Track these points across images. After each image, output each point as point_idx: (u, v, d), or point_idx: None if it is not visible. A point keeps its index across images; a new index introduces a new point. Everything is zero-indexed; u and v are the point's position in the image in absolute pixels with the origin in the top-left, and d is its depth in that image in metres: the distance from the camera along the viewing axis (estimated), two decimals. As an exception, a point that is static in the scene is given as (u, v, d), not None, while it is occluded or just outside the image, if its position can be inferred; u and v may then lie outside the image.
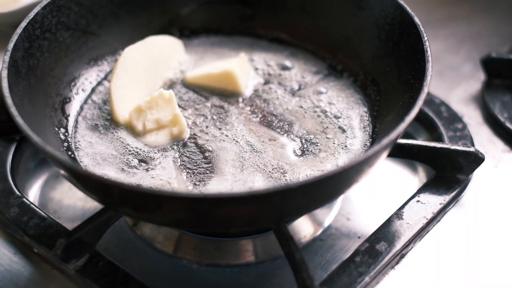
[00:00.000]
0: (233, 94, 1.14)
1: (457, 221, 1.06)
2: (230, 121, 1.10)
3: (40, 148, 0.88)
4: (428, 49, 1.00)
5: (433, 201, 1.06)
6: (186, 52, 1.22)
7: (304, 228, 1.06)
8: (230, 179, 1.00)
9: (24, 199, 1.06)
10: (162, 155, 1.04)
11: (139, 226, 1.07)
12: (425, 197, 1.06)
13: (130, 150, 1.05)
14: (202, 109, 1.12)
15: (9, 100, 0.92)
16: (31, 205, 1.05)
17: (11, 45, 1.00)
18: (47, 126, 1.04)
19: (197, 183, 1.00)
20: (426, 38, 1.01)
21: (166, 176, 1.01)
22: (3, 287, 0.99)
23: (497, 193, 1.11)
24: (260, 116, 1.11)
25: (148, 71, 1.14)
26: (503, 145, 1.18)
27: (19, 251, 1.04)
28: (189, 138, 1.07)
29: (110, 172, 1.01)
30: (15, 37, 1.01)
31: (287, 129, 1.08)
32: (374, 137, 1.06)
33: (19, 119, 0.90)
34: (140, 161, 1.03)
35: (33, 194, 1.13)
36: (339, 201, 1.10)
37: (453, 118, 1.17)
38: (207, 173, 1.02)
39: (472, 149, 1.07)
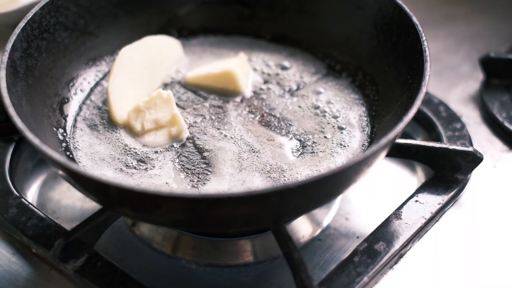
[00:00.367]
0: (233, 94, 1.14)
1: (456, 221, 1.06)
2: (229, 121, 1.10)
3: (38, 148, 0.88)
4: (427, 49, 1.00)
5: (432, 201, 1.06)
6: (184, 52, 1.22)
7: (302, 228, 1.06)
8: (229, 179, 1.00)
9: (23, 200, 1.06)
10: (160, 155, 1.04)
11: (137, 226, 1.07)
12: (423, 197, 1.06)
13: (128, 150, 1.05)
14: (200, 109, 1.12)
15: (7, 101, 0.92)
16: (30, 205, 1.05)
17: (9, 45, 1.00)
18: (45, 126, 1.04)
19: (196, 183, 1.00)
20: (424, 38, 1.01)
21: (165, 176, 1.01)
22: (2, 287, 0.99)
23: (496, 193, 1.11)
24: (259, 116, 1.11)
25: (145, 71, 1.14)
26: (502, 144, 1.18)
27: (18, 252, 1.04)
28: (188, 138, 1.07)
29: (109, 172, 1.01)
30: (13, 37, 1.01)
31: (285, 129, 1.08)
32: (373, 137, 1.06)
33: (17, 120, 0.90)
34: (139, 161, 1.03)
35: (31, 194, 1.13)
36: (338, 201, 1.10)
37: (452, 118, 1.17)
38: (206, 173, 1.02)
39: (470, 149, 1.07)
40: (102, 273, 0.97)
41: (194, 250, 1.03)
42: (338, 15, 1.17)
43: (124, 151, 1.05)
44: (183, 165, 1.03)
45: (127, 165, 1.03)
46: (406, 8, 1.06)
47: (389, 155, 1.01)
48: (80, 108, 1.12)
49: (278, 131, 1.08)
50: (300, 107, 1.12)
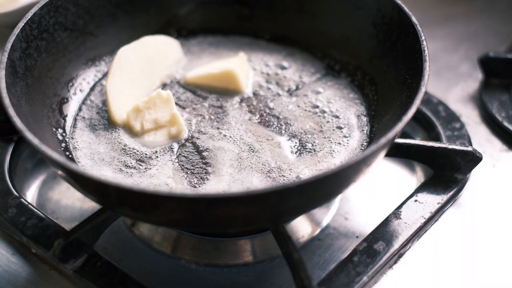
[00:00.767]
0: (233, 94, 1.14)
1: (455, 220, 1.07)
2: (228, 121, 1.10)
3: (38, 148, 0.88)
4: (426, 48, 1.00)
5: (431, 201, 1.06)
6: (183, 52, 1.22)
7: (302, 228, 1.06)
8: (228, 179, 1.00)
9: (22, 200, 1.06)
10: (160, 155, 1.04)
11: (137, 226, 1.07)
12: (423, 196, 1.06)
13: (128, 150, 1.05)
14: (200, 109, 1.12)
15: (6, 101, 0.92)
16: (29, 205, 1.05)
17: (8, 46, 1.00)
18: (44, 126, 1.04)
19: (195, 183, 1.00)
20: (423, 38, 1.01)
21: (164, 176, 1.01)
22: (1, 287, 0.99)
23: (495, 193, 1.11)
24: (258, 116, 1.11)
25: (144, 70, 1.14)
26: (501, 144, 1.18)
27: (17, 252, 1.04)
28: (187, 138, 1.07)
29: (108, 172, 1.01)
30: (12, 38, 1.01)
31: (285, 128, 1.08)
32: (372, 137, 1.06)
33: (16, 120, 0.90)
34: (138, 161, 1.03)
35: (31, 194, 1.13)
36: (337, 200, 1.10)
37: (451, 118, 1.17)
38: (205, 173, 1.02)
39: (470, 148, 1.07)
40: (102, 273, 0.97)
41: (194, 250, 1.04)
42: (338, 15, 1.17)
43: (124, 151, 1.05)
44: (183, 165, 1.03)
45: (126, 165, 1.03)
46: (405, 8, 1.06)
47: (388, 154, 1.01)
48: (80, 108, 1.12)
49: (278, 131, 1.08)
50: (299, 107, 1.12)
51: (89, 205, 1.10)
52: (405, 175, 1.16)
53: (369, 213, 1.09)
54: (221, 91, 1.15)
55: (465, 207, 1.08)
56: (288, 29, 1.23)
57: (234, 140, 1.06)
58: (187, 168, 1.02)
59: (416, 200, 1.06)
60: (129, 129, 1.08)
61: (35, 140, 0.88)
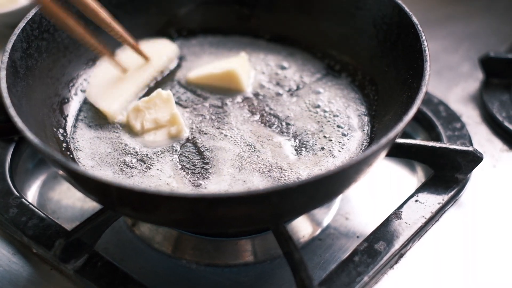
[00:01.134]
0: (233, 94, 1.14)
1: (456, 220, 1.07)
2: (229, 121, 1.10)
3: (39, 148, 0.88)
4: (426, 48, 1.00)
5: (432, 201, 1.06)
6: (183, 52, 1.22)
7: (303, 228, 1.06)
8: (229, 179, 1.00)
9: (23, 200, 1.06)
10: (160, 155, 1.04)
11: (138, 226, 1.07)
12: (423, 196, 1.06)
13: (128, 150, 1.05)
14: (200, 109, 1.12)
15: (7, 101, 0.92)
16: (30, 205, 1.05)
17: (9, 46, 1.00)
18: (45, 126, 1.04)
19: (196, 183, 1.00)
20: (424, 38, 1.01)
21: (165, 176, 1.01)
22: (2, 287, 0.99)
23: (496, 193, 1.11)
24: (259, 116, 1.11)
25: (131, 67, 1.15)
26: (502, 144, 1.18)
27: (18, 252, 1.04)
28: (188, 138, 1.07)
29: (109, 172, 1.01)
30: (13, 38, 1.01)
31: (285, 128, 1.09)
32: (373, 137, 1.06)
33: (17, 120, 0.90)
34: (139, 161, 1.03)
35: (31, 194, 1.13)
36: (338, 200, 1.11)
37: (452, 118, 1.17)
38: (206, 173, 1.02)
39: (470, 148, 1.07)
40: (103, 273, 0.97)
41: (194, 250, 1.04)
42: (338, 15, 1.17)
43: (124, 151, 1.05)
44: (183, 165, 1.03)
45: (127, 165, 1.03)
46: (406, 8, 1.06)
47: (389, 154, 1.01)
48: (80, 109, 1.12)
49: (278, 131, 1.08)
50: (300, 107, 1.12)
51: (89, 205, 1.10)
52: (405, 175, 1.16)
53: (370, 213, 1.09)
54: (222, 91, 1.15)
55: (466, 207, 1.08)
56: (288, 29, 1.23)
57: (235, 140, 1.06)
58: (188, 168, 1.02)
59: (417, 200, 1.06)
60: (129, 129, 1.08)
61: (36, 140, 0.88)
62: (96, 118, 1.10)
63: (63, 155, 1.02)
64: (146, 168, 1.02)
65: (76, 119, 1.10)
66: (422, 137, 1.19)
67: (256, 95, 1.15)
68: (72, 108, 1.11)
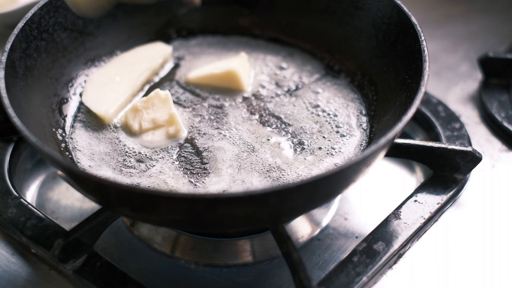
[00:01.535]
0: (232, 94, 1.14)
1: (455, 220, 1.07)
2: (228, 121, 1.10)
3: (38, 148, 0.88)
4: (425, 48, 1.00)
5: (431, 201, 1.06)
6: (181, 52, 1.22)
7: (301, 228, 1.06)
8: (228, 179, 1.00)
9: (22, 200, 1.06)
10: (160, 156, 1.04)
11: (136, 226, 1.07)
12: (422, 196, 1.06)
13: (127, 151, 1.05)
14: (199, 109, 1.12)
15: (6, 101, 0.92)
16: (29, 205, 1.05)
17: (8, 46, 1.00)
18: (44, 126, 1.04)
19: (194, 183, 1.00)
20: (423, 38, 1.01)
21: (163, 176, 1.01)
22: (1, 287, 0.99)
23: (495, 193, 1.11)
24: (257, 116, 1.11)
25: (123, 69, 1.15)
26: (501, 144, 1.18)
27: (17, 252, 1.04)
28: (187, 138, 1.07)
29: (108, 172, 1.01)
30: (12, 38, 1.01)
31: (284, 128, 1.09)
32: (372, 137, 1.06)
33: (16, 120, 0.90)
34: (138, 161, 1.03)
35: (30, 194, 1.13)
36: (337, 201, 1.10)
37: (451, 118, 1.17)
38: (204, 173, 1.02)
39: (469, 148, 1.07)
40: (102, 273, 0.97)
41: (193, 250, 1.04)
42: (337, 15, 1.17)
43: (123, 151, 1.05)
44: (182, 165, 1.03)
45: (126, 165, 1.03)
46: (405, 8, 1.06)
47: (388, 155, 1.01)
48: (79, 109, 1.12)
49: (277, 131, 1.08)
50: (299, 107, 1.12)
51: (88, 205, 1.10)
52: (404, 175, 1.16)
53: (369, 213, 1.09)
54: (221, 91, 1.15)
55: (465, 207, 1.08)
56: (288, 29, 1.23)
57: (234, 140, 1.06)
58: (186, 168, 1.02)
59: (415, 200, 1.06)
60: (127, 129, 1.08)
61: (35, 140, 0.88)
62: (95, 118, 1.10)
63: (62, 155, 1.02)
64: (145, 168, 1.02)
65: (75, 119, 1.10)
66: (421, 137, 1.19)
67: (255, 95, 1.15)
68: (71, 108, 1.11)
